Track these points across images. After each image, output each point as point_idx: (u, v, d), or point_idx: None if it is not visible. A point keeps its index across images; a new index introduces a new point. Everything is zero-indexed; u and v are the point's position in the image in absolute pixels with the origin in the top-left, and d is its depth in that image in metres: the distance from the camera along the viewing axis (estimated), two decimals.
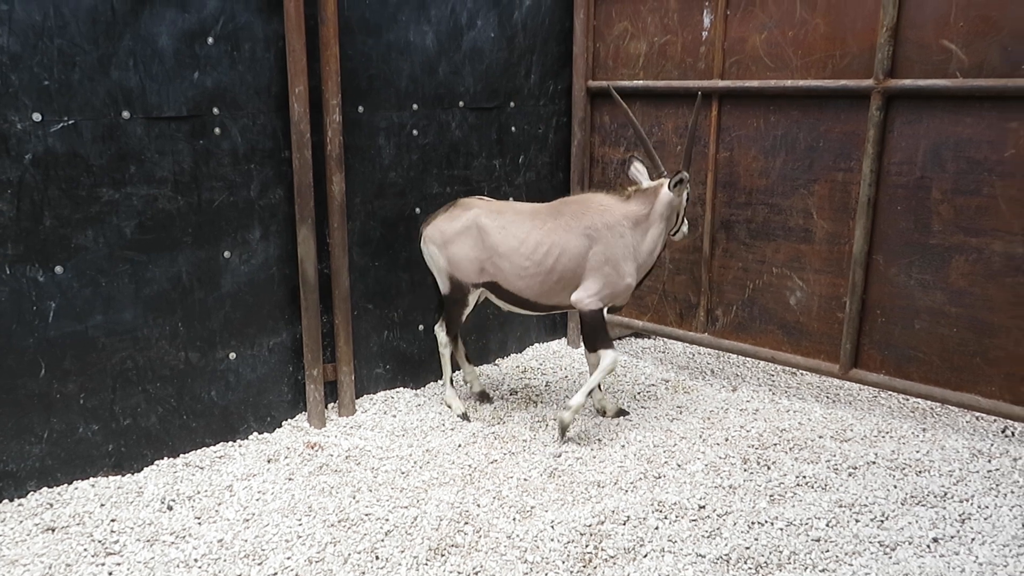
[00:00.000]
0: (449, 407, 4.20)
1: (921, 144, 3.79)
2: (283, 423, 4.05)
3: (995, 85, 3.51)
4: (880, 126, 3.86)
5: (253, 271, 3.81)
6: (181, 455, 3.69)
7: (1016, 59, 3.47)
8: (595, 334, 3.83)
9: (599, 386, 4.14)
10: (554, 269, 3.78)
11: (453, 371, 4.41)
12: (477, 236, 3.85)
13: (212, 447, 3.79)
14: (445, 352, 4.19)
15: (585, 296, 3.81)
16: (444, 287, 4.02)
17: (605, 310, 3.87)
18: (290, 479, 3.52)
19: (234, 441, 3.87)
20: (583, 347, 4.10)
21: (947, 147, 3.72)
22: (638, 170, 4.10)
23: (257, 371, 3.91)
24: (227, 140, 3.61)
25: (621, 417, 4.16)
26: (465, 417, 4.09)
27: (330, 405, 4.23)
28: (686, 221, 4.06)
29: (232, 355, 3.80)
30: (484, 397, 4.37)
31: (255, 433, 3.95)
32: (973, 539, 3.05)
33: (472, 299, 3.98)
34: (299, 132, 3.73)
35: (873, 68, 3.83)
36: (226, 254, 3.70)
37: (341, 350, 4.13)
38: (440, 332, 4.18)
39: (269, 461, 3.69)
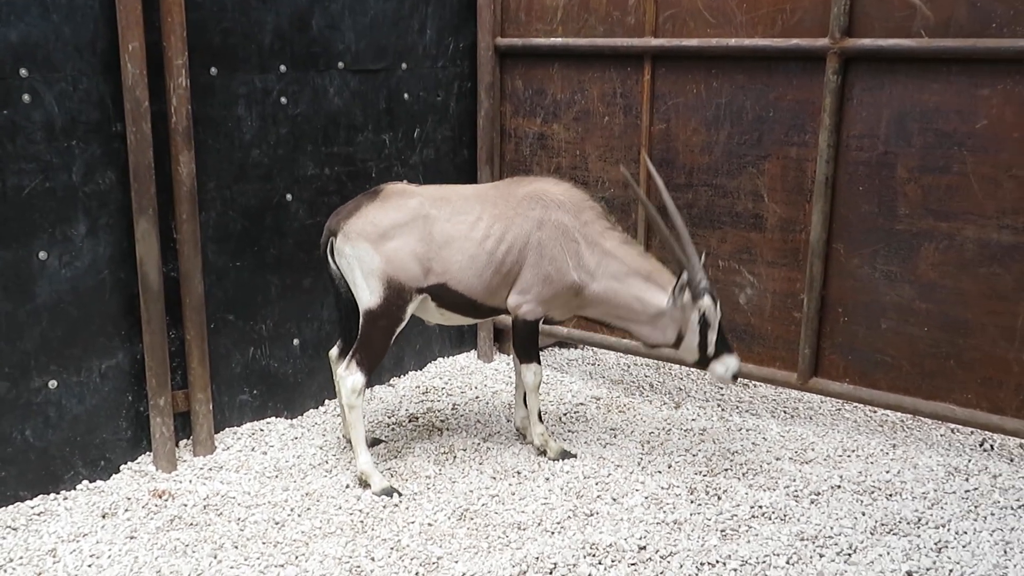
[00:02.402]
0: (366, 484, 3.79)
1: (884, 114, 3.98)
2: (121, 467, 3.94)
3: (963, 46, 3.72)
4: (837, 93, 4.03)
5: (78, 276, 3.69)
6: None
7: (986, 16, 3.69)
8: (525, 345, 4.02)
9: (524, 403, 4.22)
10: (504, 261, 3.85)
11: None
12: (423, 227, 3.77)
13: (28, 501, 3.65)
14: (357, 403, 3.78)
15: (523, 301, 3.90)
16: (372, 299, 3.74)
17: (541, 320, 3.99)
18: (132, 537, 3.42)
19: (57, 493, 3.74)
20: (513, 356, 4.19)
21: (913, 118, 3.92)
22: None
23: (86, 403, 3.79)
24: (39, 110, 3.49)
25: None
26: (389, 493, 3.73)
27: (182, 442, 4.14)
28: (721, 362, 3.80)
29: (52, 383, 3.68)
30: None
31: (85, 481, 3.83)
32: (951, 570, 3.22)
33: (410, 312, 3.81)
34: (135, 100, 3.64)
35: (828, 25, 3.99)
36: (41, 255, 3.58)
37: (195, 373, 4.04)
38: (351, 375, 3.76)
39: (104, 516, 3.58)
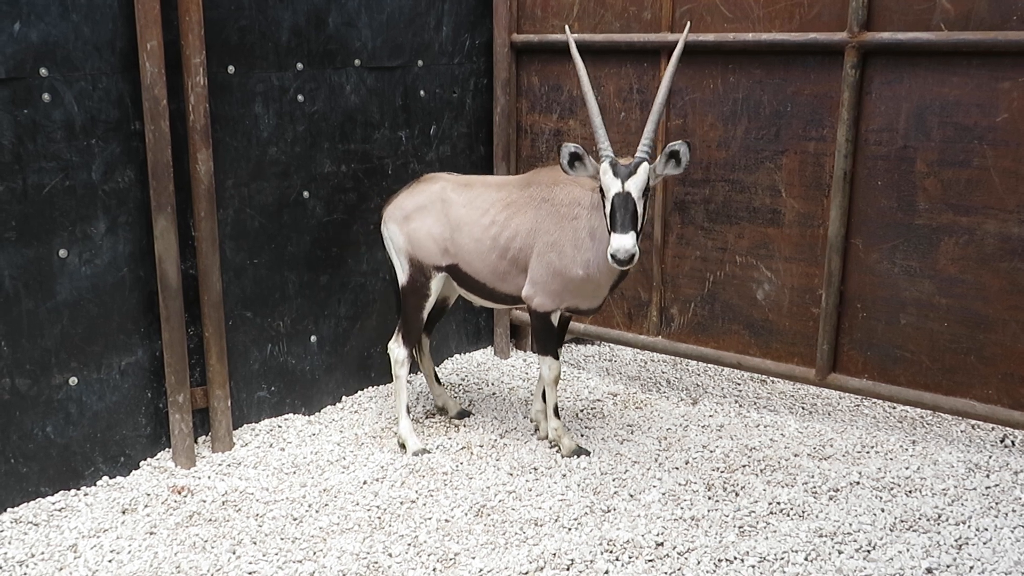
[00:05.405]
0: (402, 446, 4.14)
1: (903, 108, 3.95)
2: (141, 463, 3.97)
3: (984, 39, 3.68)
4: (856, 87, 4.00)
5: (97, 273, 3.72)
6: (8, 509, 3.57)
7: (1006, 9, 3.65)
8: (540, 338, 4.03)
9: (543, 397, 4.22)
10: (508, 248, 3.93)
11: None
12: (441, 210, 4.05)
13: (49, 497, 3.68)
14: (401, 373, 4.19)
15: (533, 293, 3.92)
16: (403, 277, 4.14)
17: (557, 314, 3.97)
18: (152, 533, 3.44)
19: (78, 488, 3.77)
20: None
21: (932, 111, 3.89)
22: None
23: (106, 399, 3.82)
24: (59, 109, 3.51)
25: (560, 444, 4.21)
26: (423, 452, 4.10)
27: (201, 438, 4.17)
28: (617, 237, 3.42)
29: (72, 380, 3.70)
30: (463, 414, 4.56)
31: (105, 477, 3.85)
32: (971, 567, 3.20)
33: (434, 288, 4.11)
34: (153, 98, 3.66)
35: (847, 19, 3.96)
36: (62, 253, 3.60)
37: (213, 369, 4.06)
38: (397, 348, 4.19)
39: (124, 512, 3.61)
